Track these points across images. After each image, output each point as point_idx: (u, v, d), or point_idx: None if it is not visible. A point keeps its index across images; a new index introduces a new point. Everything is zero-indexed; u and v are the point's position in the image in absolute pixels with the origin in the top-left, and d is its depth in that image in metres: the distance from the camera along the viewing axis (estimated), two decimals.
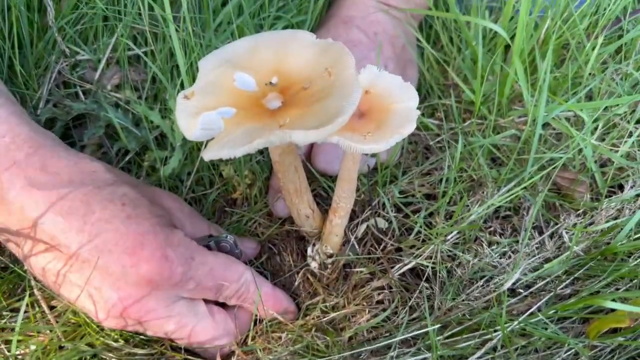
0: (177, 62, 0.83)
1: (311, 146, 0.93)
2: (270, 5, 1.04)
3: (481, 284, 0.83)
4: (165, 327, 0.70)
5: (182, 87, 0.86)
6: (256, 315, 0.79)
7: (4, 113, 0.68)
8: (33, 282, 0.76)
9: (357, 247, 0.86)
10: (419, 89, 1.06)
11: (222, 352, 0.76)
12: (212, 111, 0.60)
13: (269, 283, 0.81)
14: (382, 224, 0.89)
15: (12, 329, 0.76)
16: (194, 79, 0.66)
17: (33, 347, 0.74)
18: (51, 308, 0.78)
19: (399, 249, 0.87)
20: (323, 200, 0.93)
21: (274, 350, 0.78)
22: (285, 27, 1.03)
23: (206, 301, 0.74)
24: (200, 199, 0.93)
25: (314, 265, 0.86)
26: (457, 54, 1.04)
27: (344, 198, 0.77)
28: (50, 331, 0.75)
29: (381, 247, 0.87)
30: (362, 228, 0.88)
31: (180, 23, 0.89)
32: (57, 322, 0.76)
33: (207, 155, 0.56)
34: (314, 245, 0.86)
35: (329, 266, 0.85)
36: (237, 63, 0.65)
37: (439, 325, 0.78)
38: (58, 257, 0.65)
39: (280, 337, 0.79)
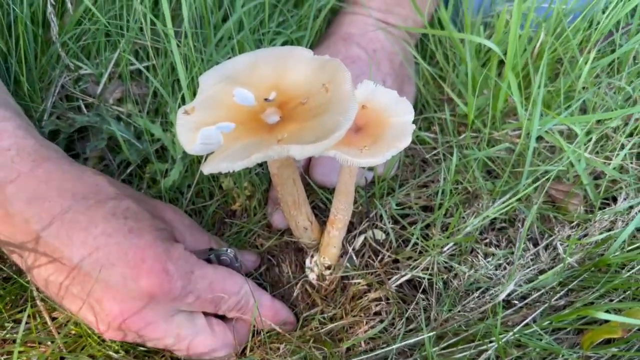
0: (178, 76, 0.84)
1: (309, 159, 0.94)
2: (271, 21, 1.06)
3: (477, 295, 0.84)
4: (165, 340, 0.71)
5: (183, 101, 0.88)
6: (255, 327, 0.80)
7: (11, 126, 0.70)
8: (35, 293, 0.77)
9: (354, 258, 0.87)
10: (415, 104, 1.08)
11: None
12: (211, 126, 0.61)
13: (268, 295, 0.82)
14: (379, 235, 0.90)
15: (14, 340, 0.77)
16: (194, 94, 0.68)
17: (35, 359, 0.75)
18: (53, 319, 0.78)
19: (396, 261, 0.88)
20: (321, 212, 0.94)
21: None
22: (284, 43, 1.04)
23: (205, 313, 0.75)
24: (200, 211, 0.94)
25: (312, 276, 0.87)
26: (451, 70, 1.06)
27: (341, 210, 0.78)
28: (52, 342, 0.76)
29: (378, 258, 0.88)
30: (360, 240, 0.89)
31: (182, 38, 0.91)
32: (58, 333, 0.76)
33: (207, 169, 0.58)
34: (312, 256, 0.87)
35: (327, 277, 0.86)
36: (236, 78, 0.67)
37: (433, 333, 0.79)
38: (60, 269, 0.66)
39: (278, 348, 0.80)
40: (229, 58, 0.70)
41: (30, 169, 0.67)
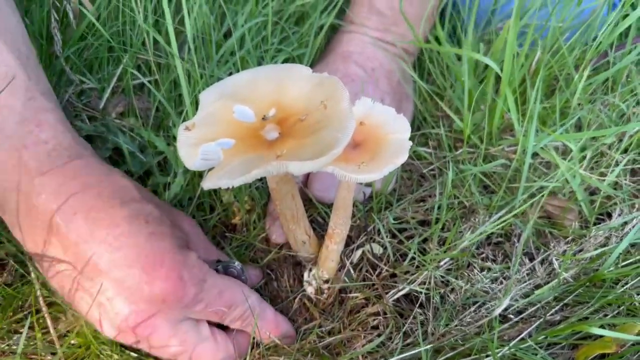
0: (181, 91, 0.85)
1: (308, 174, 0.95)
2: (273, 37, 1.07)
3: (473, 309, 0.84)
4: (169, 346, 0.71)
5: (187, 115, 0.89)
6: (254, 339, 0.81)
7: (53, 119, 0.70)
8: (41, 300, 0.77)
9: (352, 272, 0.88)
10: (413, 121, 1.09)
11: None
12: (211, 142, 0.62)
13: (272, 308, 0.82)
14: (377, 249, 0.90)
15: (12, 352, 0.77)
16: (197, 108, 0.69)
17: None
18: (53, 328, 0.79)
19: (393, 275, 0.88)
20: (319, 226, 0.95)
21: None
22: (285, 60, 1.06)
23: (208, 323, 0.75)
24: (201, 224, 0.94)
25: (310, 290, 0.87)
26: (448, 86, 1.08)
27: (339, 225, 0.79)
28: (53, 353, 0.76)
29: (376, 272, 0.88)
30: (358, 254, 0.90)
31: (185, 55, 0.92)
32: (60, 345, 0.77)
33: (206, 184, 0.59)
34: (310, 270, 0.88)
35: (325, 291, 0.87)
36: (237, 95, 0.68)
37: (430, 347, 0.79)
38: (77, 265, 0.66)
39: None
40: (231, 74, 0.71)
41: (63, 164, 0.68)
